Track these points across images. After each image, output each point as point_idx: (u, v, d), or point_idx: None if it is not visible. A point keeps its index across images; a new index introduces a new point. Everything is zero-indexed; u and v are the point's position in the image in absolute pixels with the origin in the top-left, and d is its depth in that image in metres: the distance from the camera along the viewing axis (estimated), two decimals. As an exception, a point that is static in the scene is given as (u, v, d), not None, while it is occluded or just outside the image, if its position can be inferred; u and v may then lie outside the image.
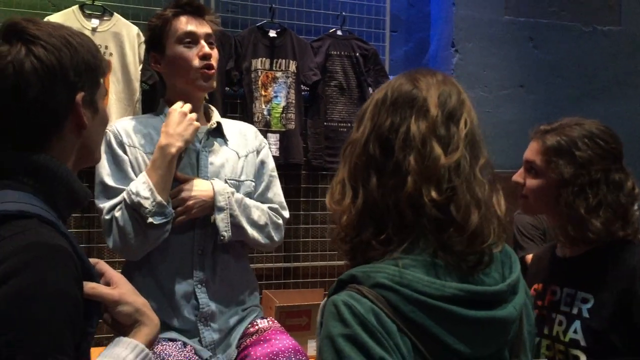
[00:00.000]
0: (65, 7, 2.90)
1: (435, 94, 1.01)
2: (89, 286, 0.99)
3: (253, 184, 1.86)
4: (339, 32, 3.36)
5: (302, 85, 3.28)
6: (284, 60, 3.22)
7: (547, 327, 1.51)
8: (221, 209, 1.72)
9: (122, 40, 2.91)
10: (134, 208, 1.63)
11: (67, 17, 2.85)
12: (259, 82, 3.17)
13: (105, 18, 2.93)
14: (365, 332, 0.88)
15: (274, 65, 3.21)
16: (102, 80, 1.12)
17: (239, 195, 1.79)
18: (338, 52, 3.34)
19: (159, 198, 1.63)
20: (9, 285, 0.85)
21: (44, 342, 0.86)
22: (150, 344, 1.04)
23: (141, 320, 1.04)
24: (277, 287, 3.27)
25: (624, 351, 1.36)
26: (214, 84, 1.83)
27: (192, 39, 1.77)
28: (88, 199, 1.12)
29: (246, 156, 1.87)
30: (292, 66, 3.23)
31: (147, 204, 1.62)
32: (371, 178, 1.00)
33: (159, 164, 1.66)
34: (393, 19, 3.55)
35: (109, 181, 1.71)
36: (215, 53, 1.81)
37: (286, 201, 1.96)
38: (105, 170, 1.72)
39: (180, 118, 1.70)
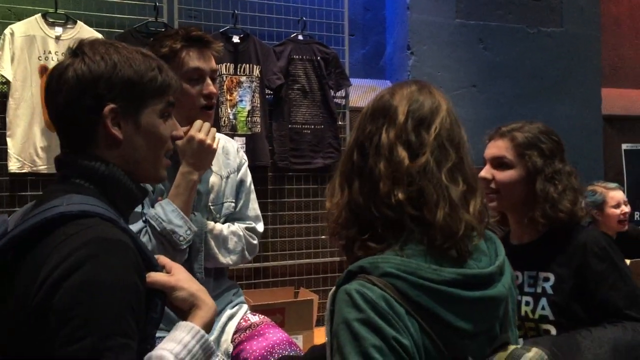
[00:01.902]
0: (27, 16, 2.89)
1: (407, 103, 1.11)
2: (149, 275, 1.07)
3: (233, 204, 1.93)
4: (300, 37, 3.46)
5: (266, 89, 3.36)
6: (247, 65, 3.29)
7: None
8: (198, 250, 1.78)
9: (86, 48, 2.91)
10: (164, 235, 1.65)
11: (31, 26, 2.85)
12: (224, 87, 3.24)
13: (68, 26, 2.93)
14: (378, 316, 0.97)
15: (239, 70, 3.27)
16: (157, 99, 1.15)
17: (218, 228, 1.84)
18: (300, 57, 3.43)
19: (194, 228, 1.70)
20: (74, 277, 0.94)
21: (107, 325, 0.94)
22: (207, 326, 1.10)
23: (197, 304, 1.11)
24: (247, 287, 3.33)
25: (586, 320, 1.54)
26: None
27: (198, 75, 1.76)
28: (146, 195, 1.20)
29: (227, 177, 1.92)
30: (256, 70, 3.30)
31: (181, 232, 1.66)
32: (354, 182, 1.11)
33: (182, 190, 1.69)
34: (350, 23, 3.66)
35: None
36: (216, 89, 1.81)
37: (254, 202, 2.04)
38: None
39: (200, 147, 1.70)
